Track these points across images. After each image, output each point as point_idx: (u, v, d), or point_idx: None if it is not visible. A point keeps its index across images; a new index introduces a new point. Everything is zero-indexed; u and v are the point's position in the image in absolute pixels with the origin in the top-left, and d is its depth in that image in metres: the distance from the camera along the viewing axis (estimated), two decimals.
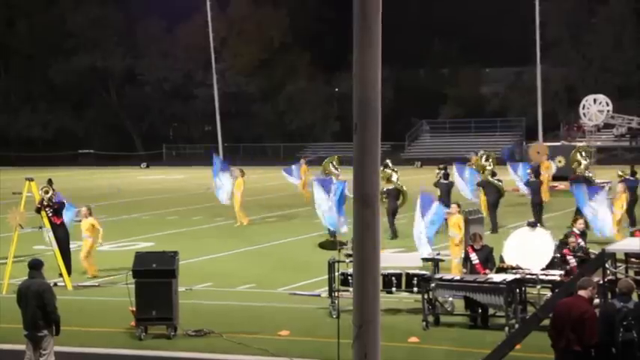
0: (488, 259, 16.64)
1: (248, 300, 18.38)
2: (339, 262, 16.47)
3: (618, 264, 13.77)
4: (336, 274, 16.49)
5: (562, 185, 37.81)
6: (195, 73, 77.69)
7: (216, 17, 69.01)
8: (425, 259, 17.19)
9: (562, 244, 17.34)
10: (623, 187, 25.10)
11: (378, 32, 5.78)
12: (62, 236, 20.60)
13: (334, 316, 15.53)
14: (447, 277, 16.35)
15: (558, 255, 16.84)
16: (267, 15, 77.47)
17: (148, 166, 71.46)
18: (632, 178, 27.83)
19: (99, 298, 18.70)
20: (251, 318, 16.68)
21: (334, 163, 32.06)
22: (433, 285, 15.83)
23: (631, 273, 14.82)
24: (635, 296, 11.74)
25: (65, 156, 75.70)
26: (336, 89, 78.67)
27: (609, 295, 12.54)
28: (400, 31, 67.32)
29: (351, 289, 12.78)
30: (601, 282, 12.60)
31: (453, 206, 21.91)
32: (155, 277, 15.21)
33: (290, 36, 77.52)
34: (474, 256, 16.60)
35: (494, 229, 26.50)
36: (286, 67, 77.78)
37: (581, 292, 10.55)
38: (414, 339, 14.88)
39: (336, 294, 16.36)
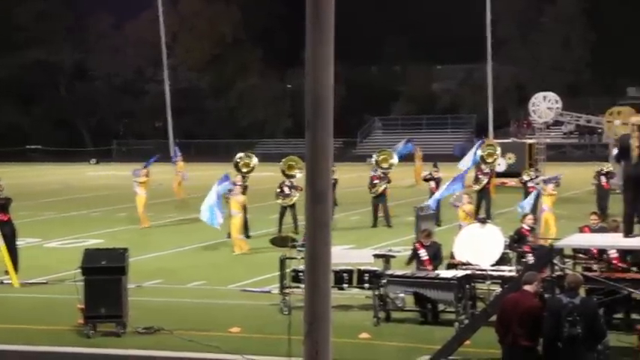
0: (437, 255, 16.73)
1: (199, 297, 18.28)
2: (290, 258, 16.46)
3: (566, 259, 13.88)
4: (287, 270, 16.47)
5: (512, 182, 38.14)
6: (146, 68, 77.18)
7: (167, 13, 68.70)
8: (376, 256, 17.22)
9: (513, 241, 17.48)
10: (553, 186, 25.69)
11: (330, 30, 5.76)
12: (8, 233, 20.32)
13: (285, 313, 15.51)
14: (398, 273, 16.40)
15: (509, 251, 16.98)
16: (218, 11, 77.15)
17: (97, 162, 70.80)
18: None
19: (46, 296, 18.46)
20: (202, 315, 16.59)
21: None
22: (384, 281, 15.86)
23: (579, 269, 14.97)
24: (582, 291, 11.88)
25: (13, 152, 74.75)
26: (289, 86, 78.61)
27: (557, 291, 12.65)
28: (353, 28, 67.47)
29: (302, 285, 12.78)
30: (549, 277, 12.73)
31: (465, 197, 22.48)
32: (104, 274, 15.05)
33: (242, 32, 77.27)
34: (422, 252, 16.67)
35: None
36: (238, 63, 77.53)
37: (527, 287, 10.64)
38: (365, 335, 14.90)
39: (287, 291, 16.36)
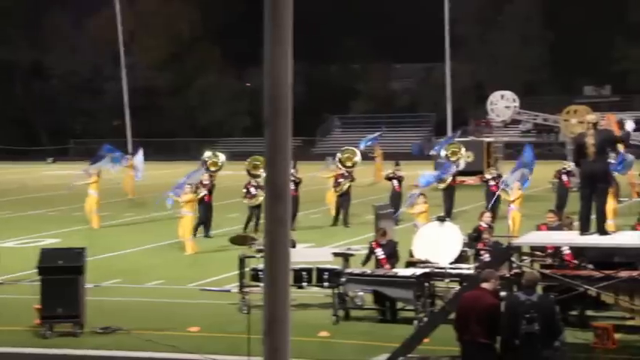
0: (393, 254, 16.78)
1: (157, 296, 18.19)
2: (249, 257, 16.43)
3: (524, 257, 14.00)
4: (247, 269, 16.45)
5: (470, 180, 38.37)
6: (103, 66, 76.53)
7: (125, 11, 68.15)
8: (335, 254, 17.24)
9: (471, 238, 17.58)
10: (519, 184, 25.88)
11: (288, 28, 5.75)
12: None
13: (244, 312, 15.47)
14: (357, 271, 16.43)
15: (469, 249, 17.08)
16: (176, 9, 76.70)
17: (54, 161, 70.10)
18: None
19: (2, 296, 18.26)
20: (160, 315, 16.51)
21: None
22: (343, 279, 15.90)
23: (536, 266, 15.10)
24: (539, 289, 11.97)
25: None
26: (247, 84, 78.39)
27: (515, 288, 12.74)
28: (312, 26, 67.44)
29: (261, 284, 12.76)
30: (507, 275, 12.83)
31: (420, 197, 22.58)
32: (61, 274, 14.92)
33: (200, 30, 76.91)
34: (379, 251, 16.72)
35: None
36: (197, 61, 77.16)
37: (485, 285, 10.70)
38: (324, 333, 14.92)
39: (247, 289, 16.33)
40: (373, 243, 17.11)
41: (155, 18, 77.01)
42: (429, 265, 16.18)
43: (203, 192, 26.01)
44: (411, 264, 16.63)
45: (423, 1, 62.01)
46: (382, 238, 17.00)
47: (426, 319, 14.57)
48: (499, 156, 44.77)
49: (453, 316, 11.62)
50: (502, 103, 45.87)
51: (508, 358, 10.51)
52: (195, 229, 25.42)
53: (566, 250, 15.71)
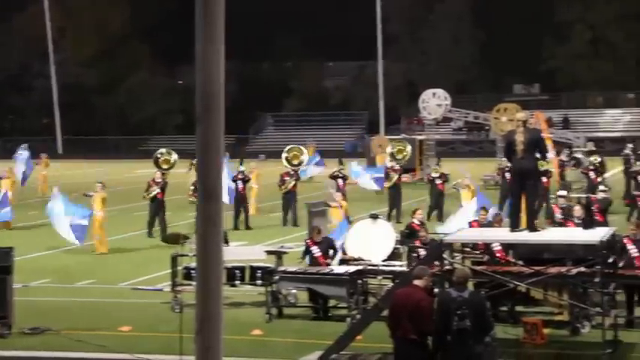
0: (328, 251, 16.81)
1: (88, 296, 17.97)
2: (181, 255, 16.32)
3: (455, 254, 14.15)
4: (179, 268, 16.34)
5: (403, 178, 38.59)
6: (32, 63, 75.31)
7: (54, 7, 67.23)
8: (268, 252, 17.22)
9: (403, 236, 17.69)
10: (470, 180, 26.17)
11: (220, 26, 5.72)
12: None
13: (177, 311, 15.36)
14: (291, 269, 16.43)
15: (402, 246, 17.19)
16: (106, 5, 75.84)
17: None
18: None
19: None
20: (91, 314, 16.31)
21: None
22: (277, 277, 15.88)
23: (467, 263, 15.26)
24: (470, 285, 12.09)
25: None
26: (179, 82, 77.86)
27: (447, 285, 12.85)
28: (244, 24, 67.18)
29: (193, 283, 12.68)
30: (438, 271, 12.94)
31: (338, 194, 22.55)
32: None
33: (131, 27, 76.15)
34: (315, 249, 16.73)
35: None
36: (127, 58, 76.37)
37: (417, 282, 10.77)
38: (257, 331, 14.88)
39: (179, 288, 16.23)
40: (308, 241, 17.12)
41: (85, 14, 76.01)
42: (362, 262, 16.25)
43: (156, 190, 25.65)
44: (344, 261, 16.68)
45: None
46: (317, 235, 17.02)
47: (358, 316, 14.62)
48: (431, 153, 45.16)
49: (386, 313, 11.67)
50: (434, 102, 46.22)
51: (440, 354, 10.59)
52: (150, 227, 25.28)
53: (496, 247, 15.91)
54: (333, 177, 29.78)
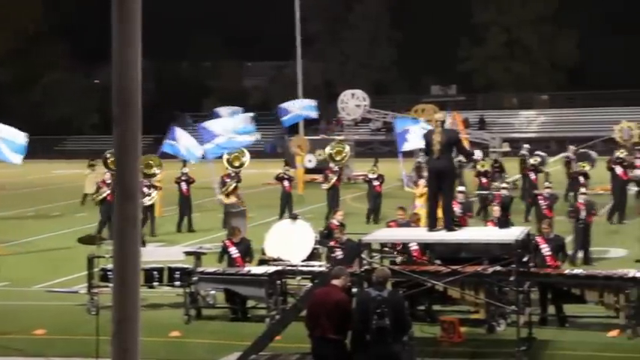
0: (247, 252, 16.78)
1: (1, 299, 17.59)
2: (98, 257, 16.11)
3: (374, 254, 14.23)
4: (96, 269, 16.13)
5: (321, 179, 38.70)
6: None
7: None
8: (187, 253, 17.10)
9: (322, 236, 17.75)
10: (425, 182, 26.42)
11: (137, 25, 5.65)
12: None
13: (93, 313, 15.16)
14: (209, 270, 16.35)
15: (321, 247, 17.25)
16: (20, 2, 74.31)
17: None
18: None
19: None
20: (4, 317, 15.97)
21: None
22: (195, 278, 15.79)
23: (386, 262, 15.38)
24: (389, 285, 12.18)
25: None
26: (96, 81, 76.83)
27: (366, 284, 12.92)
28: (162, 23, 66.54)
29: (110, 284, 12.53)
30: (357, 271, 13.01)
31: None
32: None
33: (46, 25, 74.86)
34: (233, 250, 16.68)
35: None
36: (42, 57, 75.05)
37: (335, 282, 10.81)
38: (175, 333, 14.77)
39: (95, 290, 16.02)
40: (226, 241, 17.05)
41: None
42: (281, 262, 16.25)
43: (106, 191, 25.17)
44: (263, 262, 16.66)
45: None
46: (236, 236, 16.96)
47: (277, 316, 14.62)
48: (350, 154, 45.31)
49: (304, 313, 11.69)
50: (353, 102, 46.49)
51: (358, 353, 10.65)
52: (100, 230, 24.89)
53: (413, 247, 16.06)
54: (279, 179, 29.48)
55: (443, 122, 13.93)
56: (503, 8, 68.11)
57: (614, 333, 14.25)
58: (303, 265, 16.18)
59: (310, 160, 39.30)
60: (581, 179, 27.36)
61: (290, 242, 16.76)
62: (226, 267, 16.64)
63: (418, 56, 67.62)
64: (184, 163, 28.89)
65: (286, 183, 28.70)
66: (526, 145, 35.64)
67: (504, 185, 24.26)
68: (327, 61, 71.23)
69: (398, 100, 62.56)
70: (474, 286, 14.33)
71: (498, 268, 14.01)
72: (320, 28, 69.56)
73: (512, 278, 13.39)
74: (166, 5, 65.08)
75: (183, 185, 27.66)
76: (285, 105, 34.99)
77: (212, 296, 16.10)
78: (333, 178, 28.61)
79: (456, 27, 66.39)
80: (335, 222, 18.34)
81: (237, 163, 30.79)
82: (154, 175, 27.53)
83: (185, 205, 27.13)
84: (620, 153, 29.41)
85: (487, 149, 41.27)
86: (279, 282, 15.73)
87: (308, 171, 39.27)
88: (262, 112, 72.72)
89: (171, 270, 16.17)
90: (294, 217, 17.86)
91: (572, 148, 34.65)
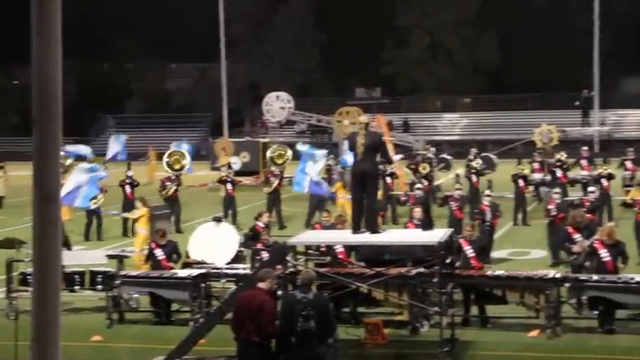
0: (172, 254, 16.64)
1: None
2: (17, 261, 15.81)
3: (299, 256, 14.23)
4: (15, 273, 15.82)
5: (247, 180, 38.65)
6: None
7: None
8: (109, 256, 16.90)
9: (247, 238, 17.70)
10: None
11: (57, 26, 5.55)
12: None
13: (12, 318, 14.85)
14: (132, 273, 16.18)
15: (246, 249, 17.20)
16: None
17: None
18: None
19: None
20: None
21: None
22: (118, 282, 15.61)
23: (311, 265, 15.39)
24: (314, 287, 12.19)
25: None
26: (16, 82, 75.46)
27: (291, 287, 12.91)
28: (84, 24, 65.69)
29: (30, 288, 12.31)
30: (283, 274, 12.99)
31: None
32: None
33: None
34: (159, 252, 16.53)
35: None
36: None
37: (261, 285, 10.79)
38: (97, 337, 14.58)
39: (15, 294, 15.72)
40: (152, 244, 16.89)
41: None
42: (206, 265, 16.16)
43: None
44: (187, 265, 16.55)
45: (198, 1, 61.90)
46: (161, 238, 16.81)
47: (202, 320, 14.53)
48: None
49: (230, 316, 11.64)
50: (277, 104, 46.45)
51: (283, 355, 10.64)
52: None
53: (339, 249, 16.11)
54: (222, 181, 28.98)
55: (367, 125, 13.98)
56: (426, 11, 68.74)
57: (534, 333, 14.48)
58: (227, 268, 16.12)
59: (235, 163, 39.16)
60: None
61: (214, 245, 16.68)
62: (150, 269, 16.49)
63: (342, 59, 67.84)
64: (129, 165, 28.52)
65: (229, 186, 28.22)
66: (473, 149, 35.89)
67: (419, 186, 24.48)
68: (251, 63, 71.07)
69: (322, 103, 62.70)
70: (398, 288, 14.43)
71: (422, 269, 14.14)
72: (244, 30, 69.34)
73: (435, 280, 13.53)
74: (88, 5, 64.30)
75: (127, 188, 27.37)
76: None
77: (135, 300, 15.94)
78: (275, 182, 28.08)
79: (379, 30, 66.78)
80: (260, 224, 18.29)
81: (177, 166, 30.48)
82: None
83: (129, 208, 26.69)
84: (561, 156, 30.00)
85: (411, 151, 41.60)
86: (203, 285, 15.64)
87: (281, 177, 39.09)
88: (186, 114, 72.38)
89: (94, 273, 15.96)
90: (218, 220, 17.77)
91: (473, 151, 35.06)
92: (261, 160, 42.32)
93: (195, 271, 15.75)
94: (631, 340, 14.19)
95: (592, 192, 21.63)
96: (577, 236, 16.62)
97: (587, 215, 19.24)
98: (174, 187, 27.26)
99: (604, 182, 26.42)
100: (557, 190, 22.25)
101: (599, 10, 53.75)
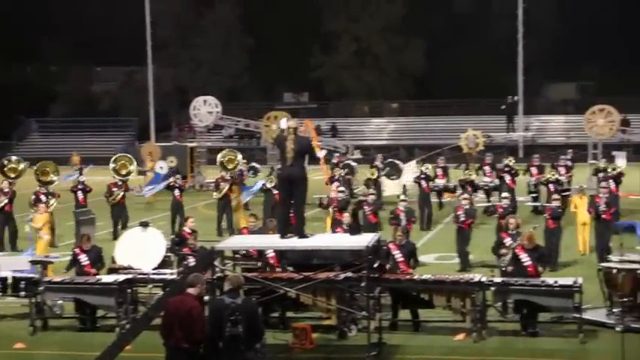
0: (97, 259, 16.43)
1: None
2: None
3: (227, 261, 14.16)
4: None
5: (213, 186, 38.36)
6: None
7: None
8: (33, 262, 16.60)
9: (174, 243, 17.57)
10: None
11: None
12: None
13: None
14: (57, 279, 15.93)
15: (173, 254, 17.06)
16: None
17: None
18: None
19: None
20: None
21: None
22: (42, 288, 15.35)
23: (238, 270, 15.32)
24: (243, 292, 12.14)
25: None
26: None
27: (218, 292, 12.84)
28: (3, 25, 64.73)
29: None
30: (210, 279, 12.92)
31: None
32: None
33: None
34: (83, 258, 16.30)
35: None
36: None
37: (190, 290, 10.71)
38: (19, 345, 14.33)
39: None
40: (76, 249, 16.64)
41: None
42: (132, 271, 15.99)
43: (4, 201, 23.89)
44: (113, 270, 16.35)
45: (123, 3, 61.33)
46: (86, 244, 16.56)
47: (128, 326, 14.36)
48: (202, 161, 45.12)
49: (158, 321, 11.52)
50: (205, 109, 46.17)
51: None
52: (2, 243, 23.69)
53: (270, 253, 16.07)
54: (170, 187, 28.41)
55: (295, 129, 13.97)
56: (353, 17, 69.10)
57: (460, 337, 14.63)
58: (154, 274, 15.97)
59: (162, 167, 38.84)
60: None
61: (141, 250, 16.52)
62: (75, 275, 16.25)
63: (270, 63, 67.82)
64: (80, 171, 28.06)
65: (177, 192, 27.81)
66: (379, 155, 36.19)
67: (341, 189, 24.55)
68: (178, 66, 70.60)
69: (250, 107, 62.56)
70: (326, 293, 14.44)
71: (349, 274, 14.18)
72: (171, 34, 68.83)
73: (363, 284, 13.57)
74: (10, 6, 63.30)
75: (80, 194, 26.97)
76: None
77: (59, 306, 15.70)
78: (225, 187, 27.56)
79: (307, 35, 66.95)
80: (187, 229, 18.16)
81: (124, 172, 30.06)
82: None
83: (83, 214, 26.22)
84: (510, 161, 30.32)
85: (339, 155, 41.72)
86: (129, 290, 15.46)
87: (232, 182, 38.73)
88: (112, 117, 71.57)
89: (16, 279, 15.66)
90: (144, 225, 17.59)
91: (379, 156, 35.36)
92: (188, 165, 42.08)
93: (121, 277, 15.57)
94: (554, 343, 14.41)
95: (505, 197, 21.78)
96: (507, 240, 16.87)
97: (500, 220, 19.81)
98: (122, 193, 26.83)
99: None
100: (506, 194, 22.50)
101: (522, 17, 54.63)
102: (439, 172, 30.85)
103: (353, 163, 37.28)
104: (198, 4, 70.06)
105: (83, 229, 21.86)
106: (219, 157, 32.89)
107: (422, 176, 29.00)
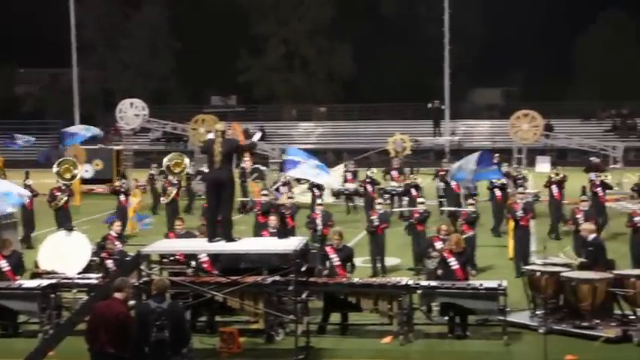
0: (17, 265, 16.10)
1: None
2: None
3: (153, 265, 14.03)
4: None
5: (100, 188, 37.98)
6: None
7: None
8: None
9: (100, 247, 17.34)
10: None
11: None
12: None
13: None
14: None
15: (96, 258, 16.84)
16: None
17: None
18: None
19: None
20: None
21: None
22: None
23: (165, 274, 15.19)
24: (169, 296, 12.04)
25: None
26: None
27: (145, 296, 12.71)
28: None
29: None
30: (136, 283, 12.78)
31: None
32: None
33: None
34: (3, 263, 15.96)
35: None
36: None
37: (117, 295, 10.60)
38: None
39: None
40: None
41: None
42: (56, 275, 15.74)
43: None
44: (36, 275, 16.07)
45: (47, 4, 60.40)
46: (5, 249, 16.23)
47: (51, 331, 14.13)
48: (128, 164, 44.67)
49: (83, 327, 11.36)
50: (131, 111, 45.73)
51: None
52: None
53: (204, 258, 15.96)
54: (115, 192, 27.97)
55: (223, 133, 13.92)
56: (281, 21, 69.11)
57: (387, 339, 14.71)
58: (79, 278, 15.75)
59: (87, 171, 38.38)
60: (316, 191, 28.68)
61: (65, 254, 16.29)
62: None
63: (198, 66, 67.46)
64: (27, 174, 27.36)
65: (122, 197, 27.33)
66: (154, 164, 35.83)
67: (265, 192, 24.47)
68: (104, 69, 69.82)
69: (178, 110, 62.13)
70: (254, 296, 14.41)
71: (277, 277, 14.16)
72: (97, 36, 68.04)
73: (290, 288, 13.57)
74: None
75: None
76: (69, 129, 34.35)
77: None
78: (173, 192, 27.41)
79: (235, 38, 66.72)
80: (113, 233, 17.93)
81: (68, 175, 29.51)
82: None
83: (29, 219, 25.53)
84: (371, 172, 30.46)
85: (267, 160, 41.73)
86: (53, 295, 15.21)
87: (84, 181, 38.22)
88: (36, 120, 70.41)
89: None
90: (69, 229, 17.34)
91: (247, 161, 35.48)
92: (114, 168, 41.59)
93: (44, 282, 15.32)
94: (480, 345, 14.57)
95: (471, 204, 21.57)
96: (438, 243, 17.03)
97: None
98: (65, 198, 26.18)
99: (413, 192, 27.34)
100: (422, 200, 22.61)
101: (448, 22, 55.22)
102: (349, 176, 30.98)
103: (262, 167, 37.23)
104: (122, 5, 69.37)
105: (4, 234, 21.44)
106: (165, 160, 32.63)
107: (367, 180, 29.14)
